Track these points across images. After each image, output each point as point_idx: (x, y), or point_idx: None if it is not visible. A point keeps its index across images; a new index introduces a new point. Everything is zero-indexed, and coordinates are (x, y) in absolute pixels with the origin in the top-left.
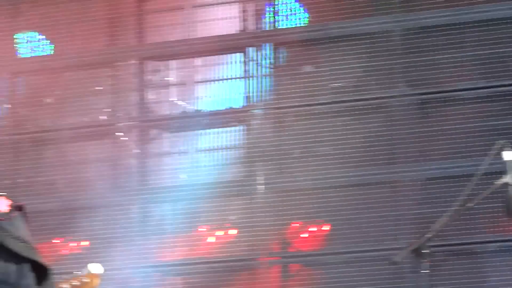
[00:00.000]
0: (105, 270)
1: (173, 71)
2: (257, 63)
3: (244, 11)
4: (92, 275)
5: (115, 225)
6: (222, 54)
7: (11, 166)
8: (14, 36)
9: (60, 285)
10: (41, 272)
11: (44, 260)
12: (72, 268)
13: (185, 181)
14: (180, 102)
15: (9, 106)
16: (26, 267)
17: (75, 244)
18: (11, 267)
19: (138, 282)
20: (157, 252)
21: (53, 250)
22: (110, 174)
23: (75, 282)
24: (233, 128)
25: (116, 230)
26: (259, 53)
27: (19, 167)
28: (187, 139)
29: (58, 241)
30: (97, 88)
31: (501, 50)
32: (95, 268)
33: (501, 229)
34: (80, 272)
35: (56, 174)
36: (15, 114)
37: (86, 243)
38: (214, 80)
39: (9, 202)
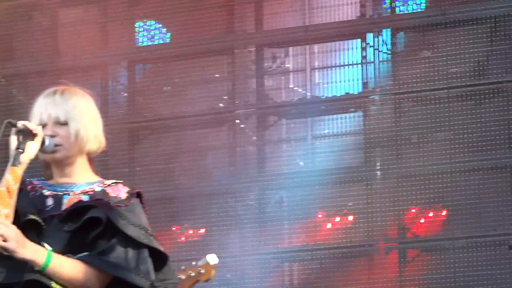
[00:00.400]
0: (222, 257)
1: (290, 58)
2: (375, 49)
3: None
4: (208, 266)
5: (232, 212)
6: (340, 40)
7: (129, 154)
8: (134, 25)
9: (177, 276)
10: (159, 258)
11: (161, 247)
12: (189, 256)
13: (302, 167)
14: (297, 89)
15: (127, 94)
16: (145, 253)
17: (192, 232)
18: (130, 253)
19: (256, 268)
20: (274, 239)
21: (171, 237)
22: (228, 161)
23: (192, 273)
24: (350, 114)
25: (233, 217)
26: (377, 39)
27: (137, 155)
28: (304, 125)
29: (175, 228)
30: (215, 75)
31: None
32: (211, 259)
33: None
34: (196, 263)
35: (173, 161)
36: (133, 102)
37: (203, 230)
38: (332, 67)
39: (127, 189)
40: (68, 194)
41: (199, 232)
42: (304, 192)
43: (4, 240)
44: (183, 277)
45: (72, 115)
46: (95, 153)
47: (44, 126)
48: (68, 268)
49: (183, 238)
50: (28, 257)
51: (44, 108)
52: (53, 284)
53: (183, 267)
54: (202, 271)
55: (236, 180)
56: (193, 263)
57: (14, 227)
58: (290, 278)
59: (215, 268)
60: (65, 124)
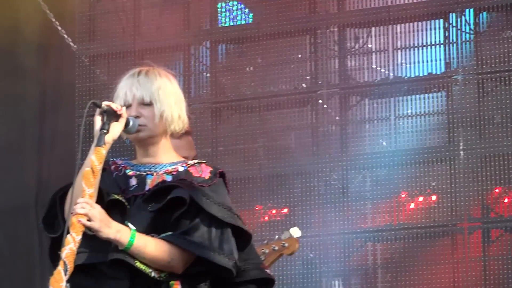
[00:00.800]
0: (305, 237)
1: (373, 38)
2: (458, 29)
3: None
4: (291, 240)
5: (315, 192)
6: (422, 20)
7: (211, 134)
8: (216, 6)
9: (261, 250)
10: (242, 238)
11: (245, 226)
12: (271, 235)
13: (385, 147)
14: (380, 69)
15: (210, 75)
16: (228, 233)
17: (275, 211)
18: (214, 232)
19: (339, 248)
20: (357, 219)
21: (254, 217)
22: (311, 141)
23: (275, 247)
24: (433, 94)
25: (316, 197)
26: (460, 19)
27: (219, 135)
28: (387, 105)
29: (258, 208)
30: (297, 56)
31: None
32: (295, 232)
33: None
34: (279, 237)
35: (256, 142)
36: (216, 82)
37: (286, 210)
38: (414, 47)
39: (210, 169)
40: (152, 174)
41: (282, 212)
42: (387, 172)
43: (89, 220)
44: (266, 251)
45: (157, 95)
46: (178, 134)
47: (128, 106)
48: (152, 247)
49: (266, 218)
50: (112, 237)
51: (128, 89)
52: (137, 264)
53: (266, 241)
54: (286, 244)
55: (319, 160)
56: (276, 237)
57: (98, 207)
58: (373, 257)
59: (298, 241)
60: (149, 104)
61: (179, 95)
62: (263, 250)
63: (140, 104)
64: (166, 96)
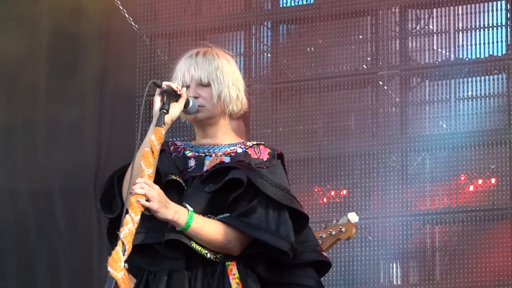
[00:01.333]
0: (363, 219)
1: (434, 19)
2: None
3: None
4: (349, 225)
5: (374, 174)
6: (484, 2)
7: (271, 115)
8: None
9: (318, 234)
10: (299, 220)
11: (302, 208)
12: (330, 217)
13: (445, 129)
14: (441, 50)
15: (271, 55)
16: (286, 215)
17: (334, 193)
18: (271, 214)
19: (397, 230)
20: (416, 201)
21: (312, 198)
22: (370, 123)
23: (333, 231)
24: (494, 76)
25: (375, 179)
26: None
27: (279, 116)
28: (447, 87)
29: (317, 190)
30: (358, 36)
31: None
32: (352, 217)
33: None
34: (337, 221)
35: (315, 123)
36: (277, 63)
37: (345, 192)
38: (475, 28)
39: (268, 150)
40: (210, 156)
41: (341, 193)
42: (446, 154)
43: (147, 200)
44: (323, 235)
45: (215, 76)
46: (236, 115)
47: (186, 88)
48: (209, 229)
49: (325, 200)
50: (170, 218)
51: (186, 70)
52: (193, 244)
53: (323, 226)
54: (343, 229)
55: (378, 142)
56: (334, 221)
57: (157, 187)
58: (432, 240)
59: (356, 227)
60: (207, 85)
61: (237, 76)
62: (320, 235)
63: (198, 85)
64: (224, 76)
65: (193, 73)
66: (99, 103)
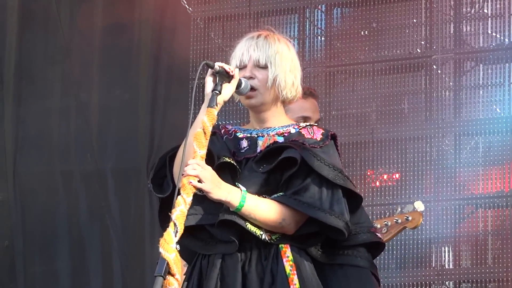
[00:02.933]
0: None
1: (489, 3)
2: None
3: None
4: (415, 213)
5: (426, 158)
6: None
7: (325, 98)
8: None
9: (383, 221)
10: (353, 201)
11: (356, 189)
12: (383, 201)
13: (498, 113)
14: (495, 34)
15: (324, 38)
16: (339, 194)
17: (387, 177)
18: (325, 193)
19: (450, 214)
20: (469, 185)
21: (365, 182)
22: (424, 106)
23: (399, 219)
24: None
25: (428, 163)
26: None
27: (332, 99)
28: (502, 71)
29: (370, 173)
30: (412, 20)
31: None
32: (418, 205)
33: None
34: (402, 209)
35: (369, 106)
36: (331, 46)
37: (397, 175)
38: None
39: (321, 131)
40: (263, 136)
41: (393, 177)
42: (500, 138)
43: (200, 181)
44: (389, 223)
45: (273, 59)
46: (290, 102)
47: (243, 67)
48: (263, 208)
49: (377, 183)
50: (223, 198)
51: (246, 50)
52: (248, 225)
53: (387, 212)
54: (410, 218)
55: (431, 125)
56: (399, 209)
57: (209, 168)
58: (484, 224)
59: (422, 216)
60: (264, 67)
61: (296, 63)
62: (385, 222)
63: (255, 66)
64: (282, 61)
65: (252, 54)
66: (153, 86)
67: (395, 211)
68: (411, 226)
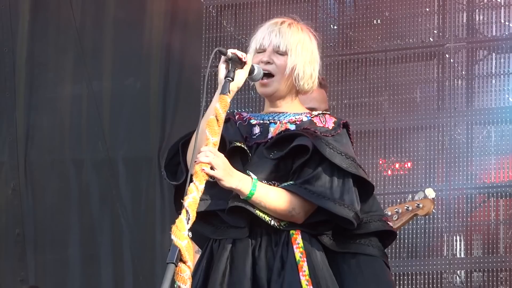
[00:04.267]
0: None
1: None
2: None
3: None
4: (426, 201)
5: (439, 147)
6: None
7: (337, 87)
8: None
9: (394, 209)
10: (364, 189)
11: (368, 177)
12: (395, 189)
13: (511, 102)
14: (508, 23)
15: (337, 27)
16: (350, 183)
17: (398, 166)
18: (336, 182)
19: (461, 203)
20: (481, 174)
21: (377, 171)
22: (436, 95)
23: (410, 207)
24: None
25: (440, 152)
26: None
27: (345, 88)
28: None
29: (382, 162)
30: (425, 9)
31: None
32: (430, 193)
33: None
34: (413, 197)
35: (381, 95)
36: (343, 35)
37: (409, 164)
38: None
39: (334, 119)
40: (275, 123)
41: (405, 166)
42: (511, 127)
43: (212, 168)
44: (400, 210)
45: (294, 47)
46: (305, 93)
47: (262, 52)
48: (273, 197)
49: (389, 172)
50: (234, 186)
51: (267, 34)
52: (257, 212)
53: (399, 201)
54: (421, 205)
55: (443, 114)
56: (409, 196)
57: (222, 156)
58: (496, 213)
59: (434, 203)
60: (283, 54)
61: (315, 55)
62: (396, 210)
63: (274, 51)
64: (302, 51)
65: (273, 39)
66: (165, 74)
67: (406, 199)
68: (422, 213)
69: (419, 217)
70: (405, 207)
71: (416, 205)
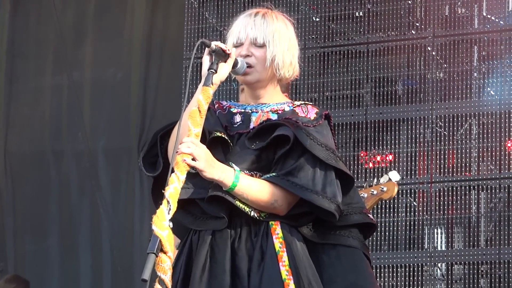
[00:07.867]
0: (409, 184)
1: None
2: None
3: None
4: (390, 184)
5: (420, 139)
6: None
7: (318, 79)
8: None
9: (359, 193)
10: (345, 182)
11: (347, 170)
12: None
13: (492, 96)
14: (490, 17)
15: (319, 19)
16: (332, 175)
17: (380, 158)
18: (318, 174)
19: (442, 196)
20: (462, 167)
21: (358, 163)
22: (417, 88)
23: (374, 191)
24: None
25: (421, 144)
26: None
27: (326, 80)
28: (497, 54)
29: (363, 154)
30: (407, 2)
31: None
32: (393, 176)
33: None
34: (378, 181)
35: (363, 88)
36: (325, 27)
37: (391, 157)
38: None
39: (316, 110)
40: (257, 112)
41: (387, 158)
42: (493, 120)
43: (194, 159)
44: (365, 195)
45: (271, 38)
46: (287, 81)
47: (240, 45)
48: (256, 189)
49: (370, 165)
50: (216, 177)
51: (243, 27)
52: (237, 202)
53: (364, 185)
54: (385, 189)
55: (425, 107)
56: (375, 180)
57: (204, 147)
58: (477, 206)
59: (397, 185)
60: (261, 46)
61: (293, 41)
62: (362, 195)
63: (252, 44)
64: (280, 40)
65: (249, 32)
66: (146, 65)
67: (372, 183)
68: (386, 196)
69: (384, 200)
70: (370, 192)
71: (380, 188)
